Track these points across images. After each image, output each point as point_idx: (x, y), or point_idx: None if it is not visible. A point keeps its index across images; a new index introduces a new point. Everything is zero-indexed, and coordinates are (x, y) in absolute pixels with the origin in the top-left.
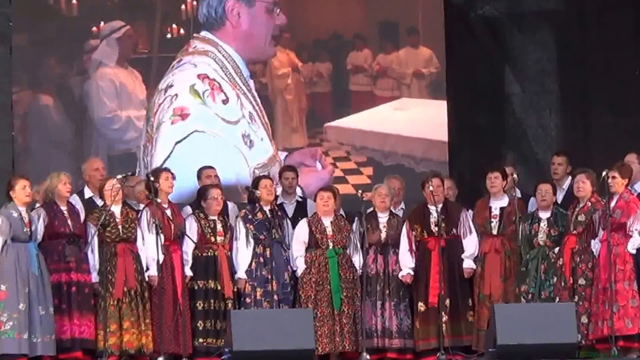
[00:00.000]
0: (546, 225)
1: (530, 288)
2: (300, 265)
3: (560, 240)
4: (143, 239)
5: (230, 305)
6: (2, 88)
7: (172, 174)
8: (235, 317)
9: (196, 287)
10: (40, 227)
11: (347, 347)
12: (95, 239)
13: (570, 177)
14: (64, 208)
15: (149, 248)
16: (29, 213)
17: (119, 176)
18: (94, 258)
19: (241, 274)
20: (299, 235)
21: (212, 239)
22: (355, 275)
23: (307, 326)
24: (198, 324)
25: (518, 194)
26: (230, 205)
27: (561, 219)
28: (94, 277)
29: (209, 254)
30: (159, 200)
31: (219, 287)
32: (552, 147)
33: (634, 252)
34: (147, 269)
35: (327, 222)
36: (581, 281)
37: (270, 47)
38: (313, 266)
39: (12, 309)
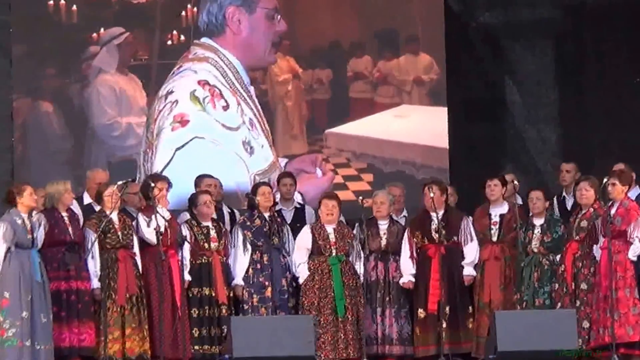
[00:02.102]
0: (539, 232)
1: (524, 295)
2: (303, 272)
3: (554, 246)
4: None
5: (224, 311)
6: (2, 98)
7: (168, 183)
8: (235, 324)
9: (191, 295)
10: (40, 234)
11: (351, 354)
12: (96, 244)
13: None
14: (64, 215)
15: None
16: (31, 219)
17: (119, 183)
18: (94, 264)
19: (239, 280)
20: (303, 242)
21: (206, 245)
22: (358, 282)
23: (307, 333)
24: (193, 331)
25: (519, 200)
26: (227, 211)
27: (554, 226)
28: (95, 283)
29: (203, 260)
30: (159, 207)
31: (213, 294)
32: (551, 158)
33: (634, 259)
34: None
35: (330, 229)
36: (583, 286)
37: (270, 54)
38: (316, 273)
39: (15, 316)
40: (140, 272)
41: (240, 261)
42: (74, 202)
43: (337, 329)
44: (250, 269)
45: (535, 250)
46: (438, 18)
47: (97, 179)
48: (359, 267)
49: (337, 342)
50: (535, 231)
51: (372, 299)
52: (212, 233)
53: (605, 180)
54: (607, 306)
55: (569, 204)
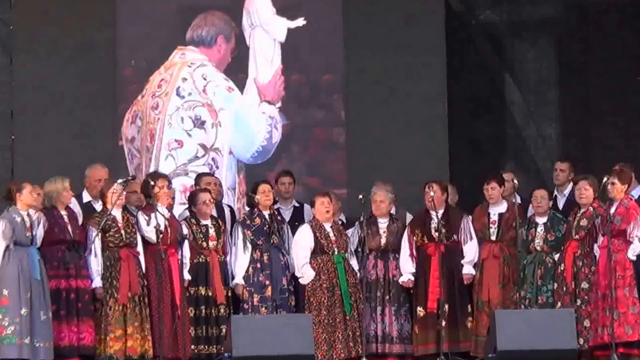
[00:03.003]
0: (543, 230)
1: (527, 294)
2: (309, 273)
3: (557, 245)
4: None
5: (222, 310)
6: (2, 95)
7: (168, 181)
8: (235, 323)
9: (187, 295)
10: (40, 232)
11: (359, 352)
12: (98, 243)
13: (571, 184)
14: (64, 213)
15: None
16: (30, 217)
17: (120, 180)
18: (97, 262)
19: (239, 279)
20: (305, 241)
21: (204, 244)
22: (356, 279)
23: (307, 331)
24: (189, 331)
25: (518, 199)
26: (227, 209)
27: (557, 224)
28: (97, 282)
29: (200, 260)
30: (158, 205)
31: (210, 294)
32: (552, 156)
33: (634, 258)
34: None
35: (327, 227)
36: (584, 285)
37: None
38: (322, 272)
39: (14, 314)
40: (144, 271)
41: (241, 260)
42: (74, 200)
43: (346, 327)
44: (250, 268)
45: (539, 248)
46: (438, 16)
47: (96, 175)
48: (355, 264)
49: (347, 340)
50: (539, 229)
51: (371, 298)
52: (211, 232)
53: (604, 179)
54: (606, 305)
55: (561, 203)
